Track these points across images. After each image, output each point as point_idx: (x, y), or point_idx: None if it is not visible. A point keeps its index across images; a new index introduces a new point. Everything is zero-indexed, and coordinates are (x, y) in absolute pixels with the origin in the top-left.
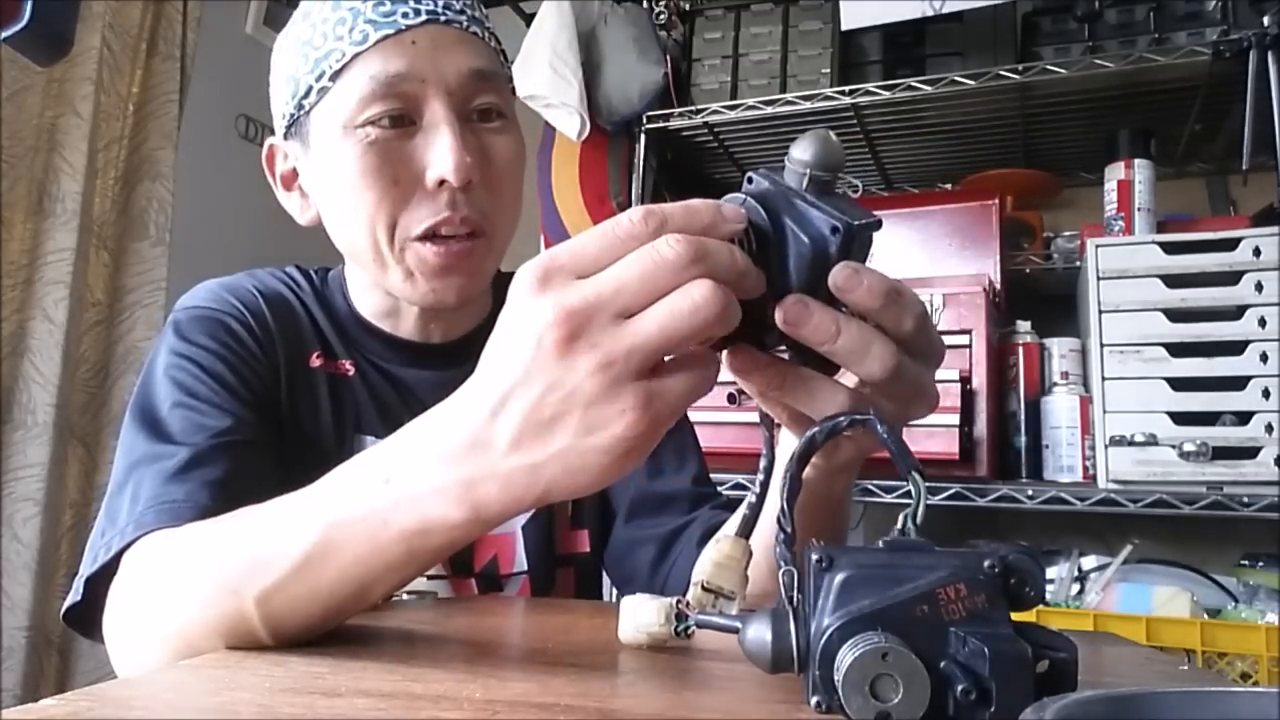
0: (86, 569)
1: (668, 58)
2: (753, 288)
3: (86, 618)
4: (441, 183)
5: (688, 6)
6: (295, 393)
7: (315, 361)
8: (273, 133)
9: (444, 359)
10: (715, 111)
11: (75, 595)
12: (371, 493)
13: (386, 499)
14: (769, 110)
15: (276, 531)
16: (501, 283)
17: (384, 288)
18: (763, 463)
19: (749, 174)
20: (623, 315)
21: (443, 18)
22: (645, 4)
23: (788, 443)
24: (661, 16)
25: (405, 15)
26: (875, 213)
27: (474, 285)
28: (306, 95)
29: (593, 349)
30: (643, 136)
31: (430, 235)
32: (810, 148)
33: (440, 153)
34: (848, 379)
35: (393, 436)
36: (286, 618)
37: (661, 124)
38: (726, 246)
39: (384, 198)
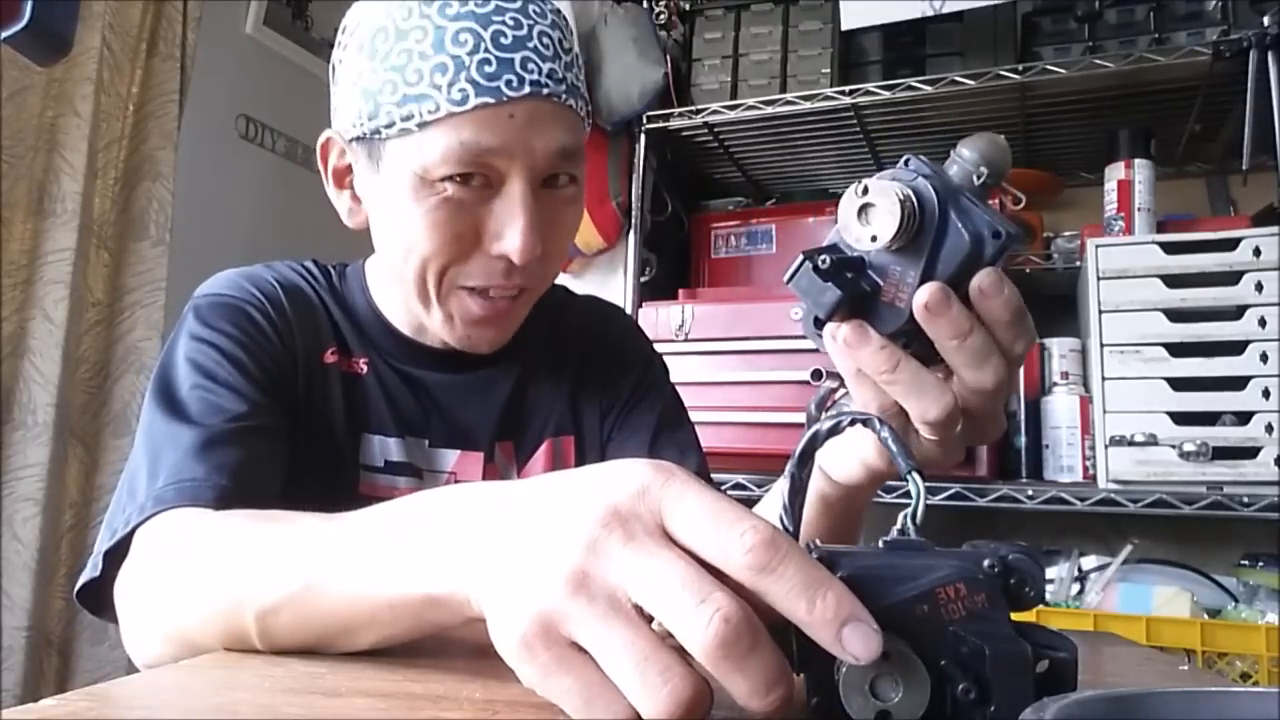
0: (104, 544)
1: (668, 58)
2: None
3: (98, 596)
4: (503, 255)
5: (688, 6)
6: (309, 387)
7: (330, 358)
8: (267, 136)
9: (462, 363)
10: (715, 111)
11: (94, 570)
12: (379, 546)
13: (390, 559)
14: (769, 110)
15: (285, 552)
16: None
17: (417, 315)
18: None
19: (906, 157)
20: (626, 602)
21: (545, 90)
22: (645, 4)
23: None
24: (661, 16)
25: (509, 84)
26: None
27: (508, 335)
28: (389, 125)
29: (591, 602)
30: (643, 136)
31: (478, 290)
32: (986, 149)
33: (511, 232)
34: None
35: (422, 502)
36: (281, 637)
37: (661, 124)
38: (772, 656)
39: (443, 250)
